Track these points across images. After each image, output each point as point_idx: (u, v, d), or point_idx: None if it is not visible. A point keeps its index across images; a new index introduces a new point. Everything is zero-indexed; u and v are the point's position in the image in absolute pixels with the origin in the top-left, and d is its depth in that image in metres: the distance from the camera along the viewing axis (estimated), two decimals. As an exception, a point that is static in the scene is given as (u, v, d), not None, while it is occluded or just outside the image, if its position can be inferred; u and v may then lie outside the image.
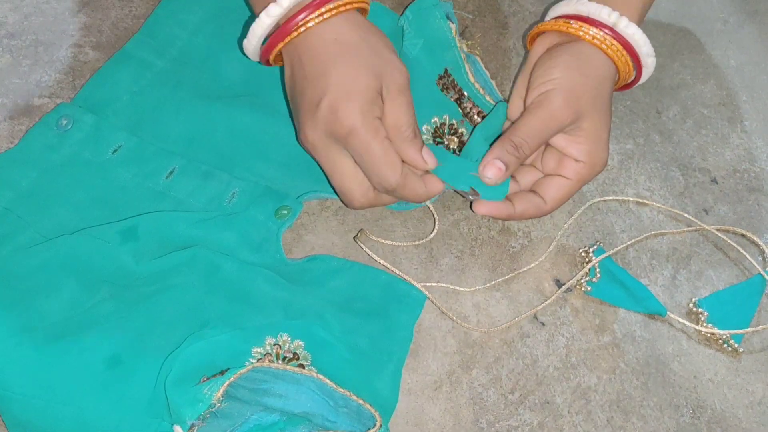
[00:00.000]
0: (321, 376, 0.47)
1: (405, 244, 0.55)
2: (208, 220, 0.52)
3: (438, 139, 0.59)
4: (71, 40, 0.61)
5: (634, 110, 0.64)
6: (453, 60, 0.60)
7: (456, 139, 0.59)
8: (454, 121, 0.59)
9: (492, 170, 0.52)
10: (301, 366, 0.47)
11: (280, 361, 0.47)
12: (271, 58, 0.52)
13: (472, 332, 0.52)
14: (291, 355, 0.48)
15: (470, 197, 0.53)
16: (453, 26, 0.61)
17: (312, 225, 0.55)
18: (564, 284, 0.54)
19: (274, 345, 0.48)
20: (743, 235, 0.58)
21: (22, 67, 0.60)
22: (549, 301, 0.54)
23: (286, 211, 0.53)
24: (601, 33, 0.53)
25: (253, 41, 0.51)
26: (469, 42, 0.63)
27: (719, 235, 0.58)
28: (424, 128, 0.58)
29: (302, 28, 0.49)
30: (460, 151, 0.58)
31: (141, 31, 0.61)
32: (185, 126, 0.57)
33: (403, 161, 0.50)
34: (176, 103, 0.58)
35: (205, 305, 0.49)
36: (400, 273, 0.53)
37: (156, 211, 0.52)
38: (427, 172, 0.52)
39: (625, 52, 0.53)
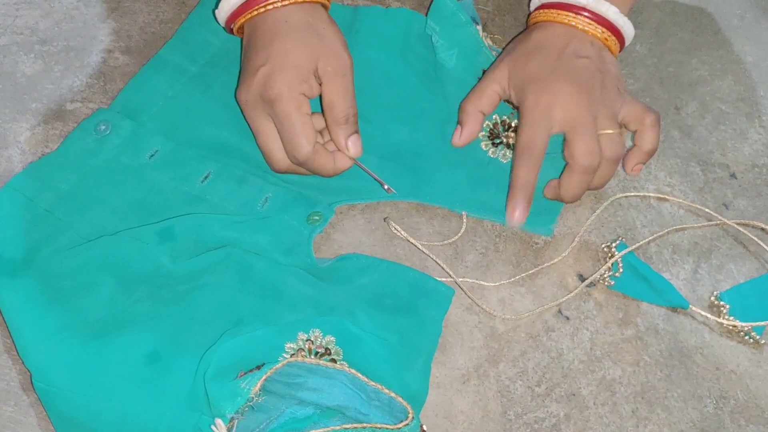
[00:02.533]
0: (353, 371, 0.48)
1: (431, 243, 0.56)
2: (241, 222, 0.54)
3: (496, 140, 0.60)
4: (101, 45, 0.63)
5: (653, 107, 0.65)
6: (487, 60, 0.61)
7: (513, 134, 0.60)
8: (505, 117, 0.60)
9: (455, 135, 0.60)
10: (333, 361, 0.49)
11: (312, 356, 0.49)
12: (235, 28, 0.58)
13: (498, 327, 0.53)
14: (323, 350, 0.49)
15: (385, 187, 0.56)
16: (479, 27, 0.62)
17: (339, 224, 0.57)
18: (587, 279, 0.56)
19: (307, 340, 0.49)
20: (763, 229, 0.59)
21: (54, 73, 0.61)
22: (572, 294, 0.55)
23: (317, 217, 0.55)
24: (545, 10, 0.58)
25: (221, 14, 0.58)
26: (495, 36, 0.64)
27: (739, 228, 0.59)
28: (480, 135, 0.60)
29: (262, 9, 0.55)
30: None
31: (175, 37, 0.62)
32: (219, 131, 0.58)
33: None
34: (209, 108, 0.59)
35: (239, 303, 0.50)
36: (435, 257, 0.55)
37: (192, 213, 0.53)
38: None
39: (571, 14, 0.57)
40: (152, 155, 0.56)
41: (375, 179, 0.56)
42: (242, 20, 0.56)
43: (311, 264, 0.53)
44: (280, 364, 0.47)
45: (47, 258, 0.50)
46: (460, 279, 0.55)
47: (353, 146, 0.55)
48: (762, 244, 0.58)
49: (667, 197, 0.60)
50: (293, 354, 0.49)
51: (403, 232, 0.55)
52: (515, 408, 0.51)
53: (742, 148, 0.64)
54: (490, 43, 0.63)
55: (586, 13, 0.57)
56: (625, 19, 0.58)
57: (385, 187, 0.56)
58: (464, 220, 0.57)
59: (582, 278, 0.56)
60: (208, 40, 0.62)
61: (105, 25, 0.64)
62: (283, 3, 0.55)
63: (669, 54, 0.68)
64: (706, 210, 0.60)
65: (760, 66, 0.68)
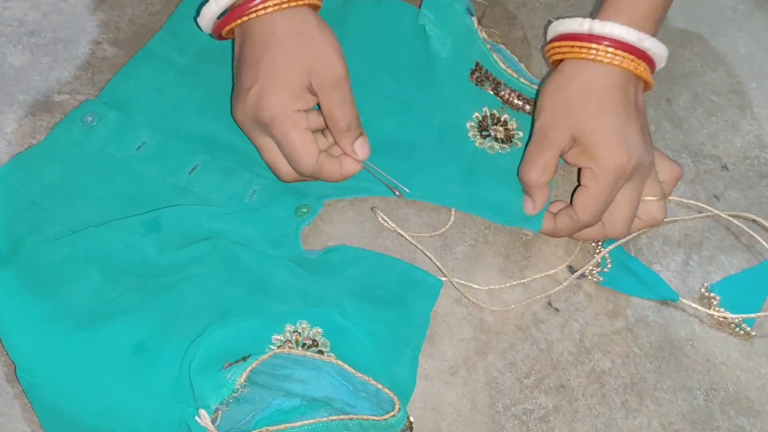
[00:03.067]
0: (340, 362, 0.48)
1: (420, 235, 0.56)
2: (229, 214, 0.54)
3: (484, 132, 0.59)
4: (89, 36, 0.62)
5: (645, 99, 0.65)
6: (481, 52, 0.61)
7: (501, 128, 0.59)
8: (495, 111, 0.60)
9: (527, 206, 0.56)
10: (321, 352, 0.49)
11: (299, 348, 0.49)
12: (224, 32, 0.55)
13: (487, 319, 0.53)
14: (310, 342, 0.49)
15: (396, 194, 0.56)
16: (474, 19, 0.62)
17: (328, 216, 0.56)
18: (576, 271, 0.55)
19: (294, 332, 0.49)
20: (754, 221, 0.59)
21: (41, 64, 0.61)
22: (561, 287, 0.54)
23: (306, 209, 0.54)
24: (578, 44, 0.52)
25: (203, 23, 0.55)
26: (491, 29, 0.63)
27: (731, 219, 0.58)
28: (467, 125, 0.59)
29: (246, 18, 0.53)
30: (508, 139, 0.59)
31: (163, 29, 0.62)
32: (207, 123, 0.58)
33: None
34: (198, 100, 0.59)
35: (226, 294, 0.50)
36: (423, 249, 0.54)
37: (178, 205, 0.53)
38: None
39: (612, 49, 0.52)
40: (139, 147, 0.56)
41: (386, 185, 0.56)
42: (228, 30, 0.54)
43: (299, 255, 0.53)
44: (266, 356, 0.47)
45: (32, 249, 0.50)
46: (449, 270, 0.54)
47: (360, 150, 0.54)
48: (755, 235, 0.58)
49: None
50: (280, 345, 0.48)
51: (391, 223, 0.55)
52: (504, 400, 0.50)
53: (733, 140, 0.63)
54: (485, 36, 0.62)
55: (626, 51, 0.52)
56: (660, 44, 0.54)
57: (397, 193, 0.56)
58: (452, 212, 0.57)
59: (572, 270, 0.56)
60: (197, 32, 0.62)
61: (93, 17, 0.64)
62: (267, 10, 0.52)
63: (661, 46, 0.68)
64: (697, 203, 0.59)
65: (753, 58, 0.68)
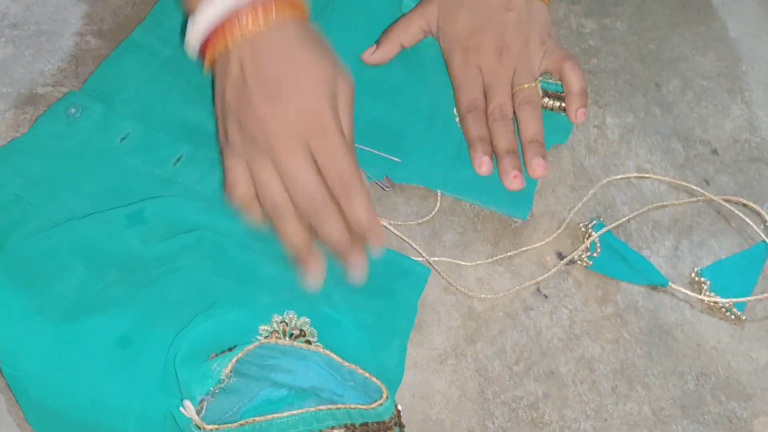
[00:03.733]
0: (327, 351, 0.47)
1: (407, 223, 0.56)
2: (214, 208, 0.53)
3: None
4: (73, 28, 0.62)
5: (634, 84, 0.64)
6: None
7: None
8: None
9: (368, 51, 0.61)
10: (308, 342, 0.48)
11: (287, 338, 0.48)
12: (211, 56, 0.50)
13: (476, 306, 0.53)
14: (298, 332, 0.49)
15: (384, 188, 0.56)
16: None
17: (315, 205, 0.56)
18: (566, 258, 0.55)
19: (281, 322, 0.49)
20: (745, 205, 0.59)
21: (25, 57, 0.60)
22: (550, 273, 0.54)
23: None
24: None
25: (192, 42, 0.51)
26: None
27: (722, 202, 0.58)
28: (455, 111, 0.60)
29: (248, 31, 0.48)
30: None
31: (147, 20, 0.61)
32: (192, 114, 0.57)
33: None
34: (182, 90, 0.58)
35: (212, 285, 0.50)
36: (407, 239, 0.54)
37: (163, 196, 0.53)
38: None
39: None
40: (124, 138, 0.55)
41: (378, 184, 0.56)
42: (226, 47, 0.49)
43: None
44: (251, 346, 0.46)
45: (17, 243, 0.49)
46: (435, 259, 0.54)
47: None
48: (746, 218, 0.57)
49: (649, 176, 0.59)
50: (267, 336, 0.48)
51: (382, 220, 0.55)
52: (493, 387, 0.50)
53: (723, 124, 0.63)
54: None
55: None
56: None
57: (386, 186, 0.56)
58: (438, 198, 0.56)
59: (561, 256, 0.55)
60: (181, 23, 0.61)
61: (77, 9, 0.63)
62: (269, 24, 0.48)
63: (650, 31, 0.68)
64: (687, 184, 0.59)
65: (742, 41, 0.68)
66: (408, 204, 0.57)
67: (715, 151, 0.62)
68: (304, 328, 0.49)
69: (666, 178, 0.59)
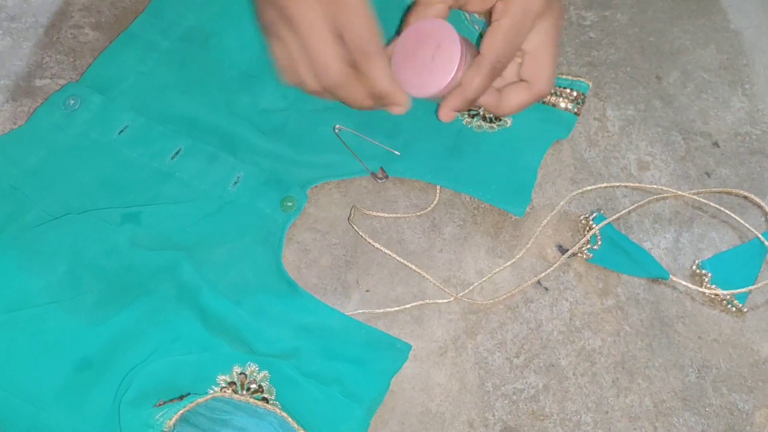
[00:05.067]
0: (284, 413, 0.44)
1: (405, 215, 0.55)
2: (213, 215, 0.52)
3: (472, 111, 0.59)
4: (71, 21, 0.62)
5: (634, 76, 0.64)
6: (467, 30, 0.60)
7: None
8: None
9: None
10: (265, 400, 0.46)
11: (244, 391, 0.46)
12: None
13: (476, 299, 0.53)
14: (256, 387, 0.46)
15: (378, 179, 0.55)
16: None
17: (314, 198, 0.56)
18: (567, 250, 0.55)
19: (241, 374, 0.46)
20: (746, 197, 0.58)
21: (22, 49, 0.60)
22: (551, 269, 0.54)
23: (291, 203, 0.53)
24: None
25: None
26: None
27: (726, 192, 0.58)
28: None
29: None
30: (497, 117, 0.59)
31: (146, 11, 0.61)
32: (191, 106, 0.57)
33: None
34: (181, 83, 0.58)
35: (180, 319, 0.48)
36: (393, 254, 0.53)
37: (162, 203, 0.52)
38: None
39: None
40: (122, 131, 0.55)
41: (373, 175, 0.56)
42: None
43: (276, 261, 0.51)
44: (202, 399, 0.43)
45: (11, 235, 0.49)
46: (437, 251, 0.54)
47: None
48: (737, 218, 0.57)
49: (649, 169, 0.59)
50: (223, 387, 0.45)
51: (361, 232, 0.54)
52: (493, 379, 0.50)
53: (724, 117, 0.63)
54: (468, 16, 0.62)
55: None
56: None
57: (380, 178, 0.55)
58: (437, 191, 0.56)
59: (561, 249, 0.55)
60: (180, 14, 0.61)
61: (75, 1, 0.63)
62: None
63: (650, 23, 0.67)
64: (689, 175, 0.59)
65: (743, 34, 0.67)
66: (407, 197, 0.56)
67: (716, 144, 0.61)
68: (263, 384, 0.46)
69: (656, 170, 0.59)
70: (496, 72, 0.51)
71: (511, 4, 0.50)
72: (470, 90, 0.51)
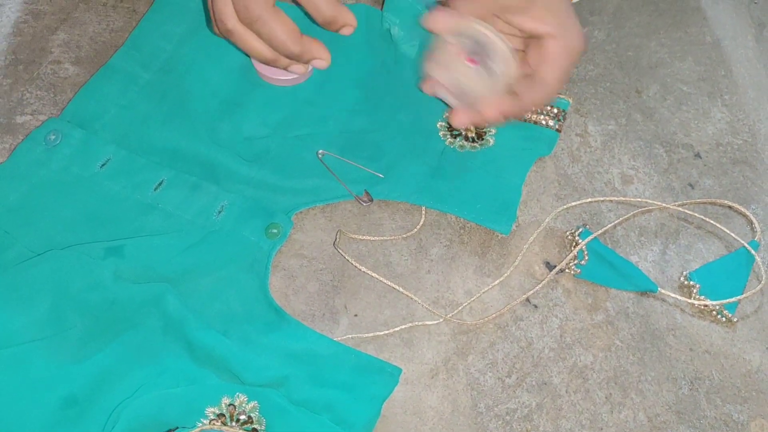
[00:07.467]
0: None
1: (391, 238, 0.55)
2: (197, 245, 0.52)
3: (455, 132, 0.59)
4: (50, 56, 0.62)
5: (614, 91, 0.65)
6: None
7: (473, 127, 0.59)
8: None
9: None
10: (255, 431, 0.46)
11: (234, 423, 0.46)
12: None
13: (466, 319, 0.52)
14: (246, 418, 0.46)
15: (363, 203, 0.55)
16: None
17: (300, 224, 0.55)
18: (555, 266, 0.55)
19: (229, 405, 0.46)
20: (730, 207, 0.58)
21: (2, 86, 0.60)
22: (540, 286, 0.54)
23: (276, 230, 0.53)
24: None
25: None
26: None
27: (710, 203, 0.58)
28: (438, 125, 0.59)
29: None
30: (479, 137, 0.59)
31: (126, 44, 0.61)
32: (172, 137, 0.57)
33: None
34: (162, 114, 0.58)
35: (166, 352, 0.47)
36: (381, 277, 0.53)
37: (146, 235, 0.52)
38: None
39: None
40: (104, 164, 0.55)
41: (357, 199, 0.56)
42: None
43: (263, 286, 0.51)
44: (192, 431, 0.44)
45: None
46: (425, 272, 0.54)
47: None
48: (721, 227, 0.57)
49: (633, 182, 0.59)
50: (212, 419, 0.45)
51: (346, 255, 0.54)
52: (486, 400, 0.49)
53: (705, 128, 0.63)
54: None
55: None
56: None
57: (364, 201, 0.55)
58: (423, 212, 0.56)
59: (549, 266, 0.55)
60: (160, 46, 0.61)
61: (55, 37, 0.63)
62: None
63: (627, 38, 0.68)
64: (673, 188, 0.59)
65: (720, 46, 0.68)
66: (393, 219, 0.56)
67: (698, 155, 0.62)
68: (252, 414, 0.46)
69: (640, 183, 0.59)
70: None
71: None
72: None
